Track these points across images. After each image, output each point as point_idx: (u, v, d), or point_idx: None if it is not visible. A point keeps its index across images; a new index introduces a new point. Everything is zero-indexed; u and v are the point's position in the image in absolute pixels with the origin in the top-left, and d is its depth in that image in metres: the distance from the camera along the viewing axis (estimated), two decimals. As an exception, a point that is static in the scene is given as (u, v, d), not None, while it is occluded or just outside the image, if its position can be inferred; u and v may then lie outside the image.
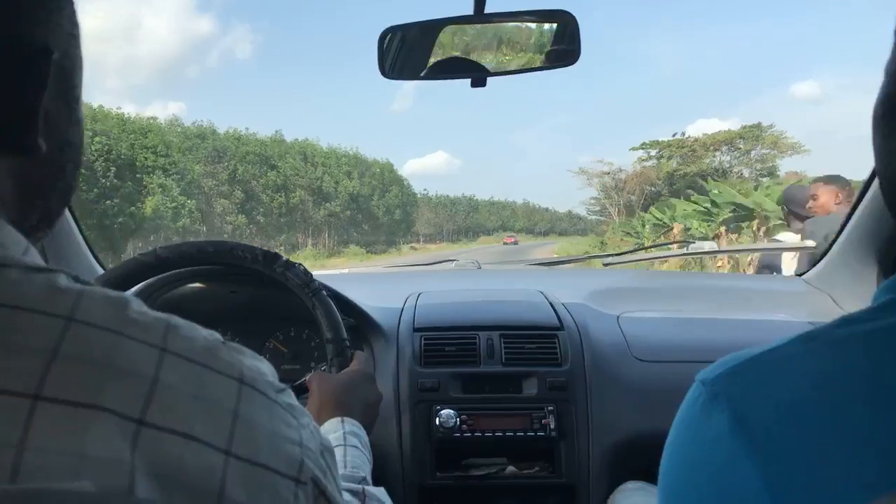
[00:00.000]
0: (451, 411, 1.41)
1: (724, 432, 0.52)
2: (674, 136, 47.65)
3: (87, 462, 0.39)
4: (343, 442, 0.95)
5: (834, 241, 1.86)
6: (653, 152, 49.75)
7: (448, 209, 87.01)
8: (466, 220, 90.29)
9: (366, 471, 0.93)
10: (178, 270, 1.38)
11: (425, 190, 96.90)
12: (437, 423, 1.40)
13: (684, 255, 2.25)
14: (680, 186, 41.73)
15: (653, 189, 48.14)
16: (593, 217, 70.47)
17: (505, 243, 59.93)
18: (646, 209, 45.13)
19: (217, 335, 0.50)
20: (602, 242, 32.69)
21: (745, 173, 44.20)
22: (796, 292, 1.95)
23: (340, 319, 1.23)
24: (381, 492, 0.89)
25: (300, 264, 1.28)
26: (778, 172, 42.79)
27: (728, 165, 46.36)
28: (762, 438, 0.50)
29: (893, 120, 0.57)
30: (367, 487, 0.88)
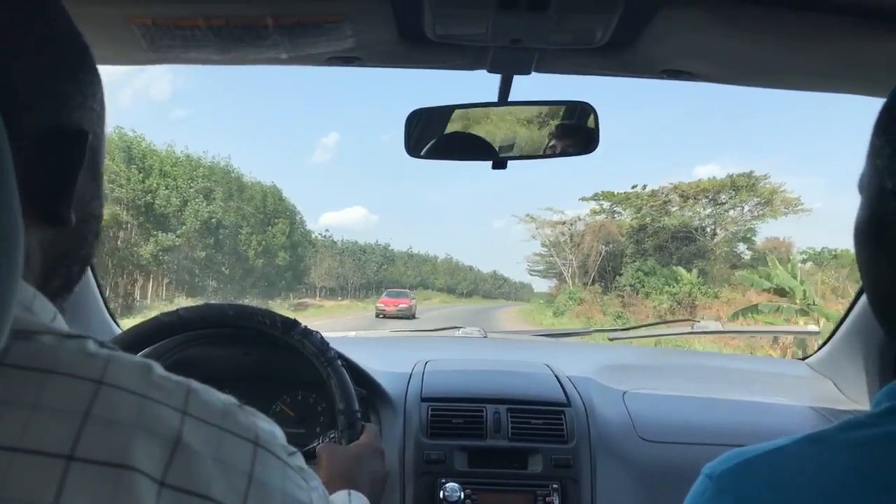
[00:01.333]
0: (456, 485, 1.41)
1: None
2: (633, 188, 40.01)
3: None
4: None
5: (838, 327, 1.89)
6: (606, 204, 42.73)
7: (356, 258, 67.51)
8: (379, 272, 72.10)
9: None
10: (195, 332, 1.41)
11: (328, 231, 79.88)
12: (442, 496, 1.40)
13: (689, 333, 2.27)
14: (651, 245, 37.30)
15: (613, 247, 41.21)
16: (536, 277, 60.98)
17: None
18: (606, 272, 38.69)
19: (233, 399, 0.52)
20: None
21: (720, 234, 37.37)
22: (799, 376, 1.96)
23: (353, 391, 1.25)
24: None
25: (318, 332, 1.31)
26: (754, 238, 37.55)
27: (710, 222, 37.98)
28: None
29: (880, 239, 0.60)
30: None
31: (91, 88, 0.56)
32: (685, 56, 1.10)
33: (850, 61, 1.07)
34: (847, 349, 1.83)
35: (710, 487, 0.58)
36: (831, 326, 2.05)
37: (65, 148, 0.52)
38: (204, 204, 33.54)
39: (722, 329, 2.24)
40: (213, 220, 34.23)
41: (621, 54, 1.11)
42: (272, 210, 41.98)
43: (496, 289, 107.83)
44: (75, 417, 0.43)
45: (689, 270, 28.98)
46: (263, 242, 39.42)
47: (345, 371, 1.26)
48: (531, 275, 59.98)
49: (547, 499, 1.40)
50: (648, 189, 39.25)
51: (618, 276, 36.41)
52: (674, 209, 38.46)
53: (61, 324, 0.52)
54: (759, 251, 34.66)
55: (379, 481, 1.09)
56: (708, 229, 38.18)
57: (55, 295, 0.56)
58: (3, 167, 0.40)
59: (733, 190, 36.06)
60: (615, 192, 41.99)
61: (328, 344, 1.29)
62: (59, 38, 0.53)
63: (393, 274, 75.54)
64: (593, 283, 39.87)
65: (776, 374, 2.04)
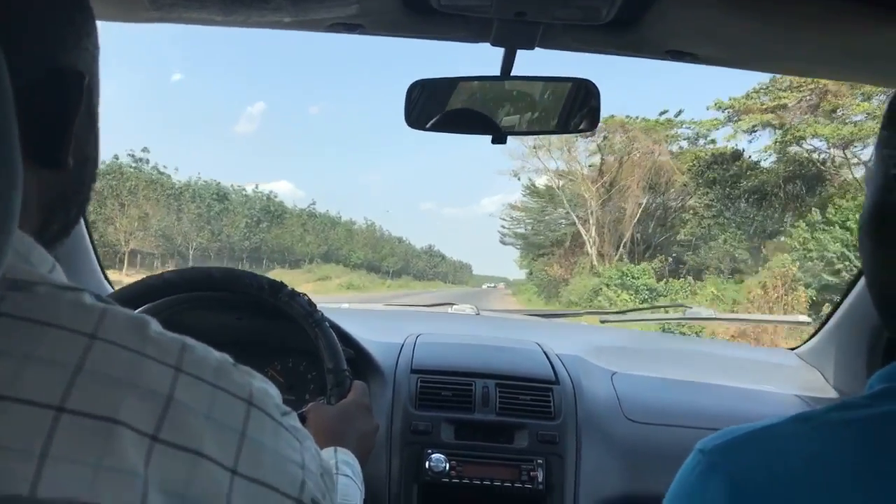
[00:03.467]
0: (442, 456, 1.42)
1: (720, 501, 0.55)
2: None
3: (103, 474, 0.41)
4: (335, 470, 0.97)
5: (828, 318, 1.90)
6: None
7: (205, 207, 43.64)
8: (252, 233, 48.21)
9: (357, 500, 0.95)
10: (184, 294, 1.41)
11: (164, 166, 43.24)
12: (427, 466, 1.42)
13: (682, 319, 2.28)
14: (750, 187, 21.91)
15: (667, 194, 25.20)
16: (509, 243, 43.63)
17: None
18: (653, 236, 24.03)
19: (228, 357, 0.52)
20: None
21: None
22: (788, 365, 1.98)
23: (341, 350, 1.26)
24: None
25: (304, 294, 1.32)
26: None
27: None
28: None
29: (882, 227, 0.61)
30: None
31: (86, 29, 0.55)
32: (689, 37, 1.09)
33: (856, 49, 1.06)
34: (836, 340, 1.84)
35: (702, 462, 0.59)
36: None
37: (62, 90, 0.52)
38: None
39: (714, 316, 2.26)
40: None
41: (626, 33, 1.10)
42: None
43: (431, 268, 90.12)
44: (67, 370, 0.43)
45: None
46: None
47: (332, 331, 1.27)
48: (505, 243, 43.61)
49: (531, 473, 1.42)
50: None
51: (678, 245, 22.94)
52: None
53: (59, 275, 0.52)
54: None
55: (367, 437, 1.10)
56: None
57: (53, 239, 0.57)
58: (4, 106, 0.40)
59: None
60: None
61: (315, 305, 1.30)
62: None
63: (282, 238, 51.05)
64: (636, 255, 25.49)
65: (764, 362, 2.06)
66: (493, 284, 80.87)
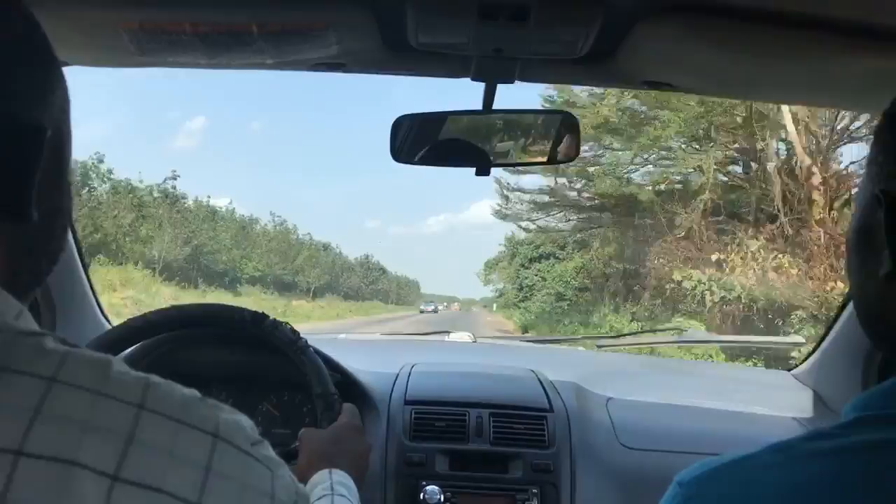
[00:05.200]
0: (437, 488, 1.42)
1: None
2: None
3: None
4: (331, 491, 0.96)
5: (823, 338, 1.90)
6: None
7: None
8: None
9: None
10: (174, 333, 1.43)
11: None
12: (422, 498, 1.41)
13: (677, 342, 2.28)
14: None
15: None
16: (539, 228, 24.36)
17: None
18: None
19: (196, 392, 0.53)
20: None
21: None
22: (784, 387, 1.97)
23: (328, 374, 1.27)
24: None
25: (287, 323, 1.33)
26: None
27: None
28: None
29: (868, 245, 0.62)
30: None
31: (51, 85, 0.55)
32: (664, 68, 1.12)
33: (827, 77, 1.08)
34: (832, 360, 1.84)
35: (679, 494, 0.60)
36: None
37: (20, 144, 0.51)
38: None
39: (709, 338, 2.26)
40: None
41: (602, 66, 1.13)
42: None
43: (368, 284, 73.26)
44: (26, 414, 0.44)
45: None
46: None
47: (317, 357, 1.28)
48: (501, 217, 24.33)
49: (526, 503, 1.41)
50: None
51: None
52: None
53: (26, 321, 0.52)
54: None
55: (360, 457, 1.10)
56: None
57: (25, 288, 0.57)
58: None
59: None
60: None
61: (298, 333, 1.32)
62: (13, 33, 0.53)
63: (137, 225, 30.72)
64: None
65: (761, 384, 2.05)
66: (445, 304, 74.92)
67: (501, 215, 23.81)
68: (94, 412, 0.46)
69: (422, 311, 58.61)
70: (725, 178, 16.35)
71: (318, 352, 1.33)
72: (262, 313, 1.34)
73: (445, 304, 75.85)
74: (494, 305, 57.47)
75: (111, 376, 0.49)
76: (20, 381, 0.45)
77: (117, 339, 1.34)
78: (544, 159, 1.32)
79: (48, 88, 0.55)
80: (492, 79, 1.17)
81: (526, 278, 33.46)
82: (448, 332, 2.46)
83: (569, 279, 26.47)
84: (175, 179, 35.63)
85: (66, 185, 0.60)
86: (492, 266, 50.69)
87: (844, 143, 13.64)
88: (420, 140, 1.33)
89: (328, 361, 1.42)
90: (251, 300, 32.48)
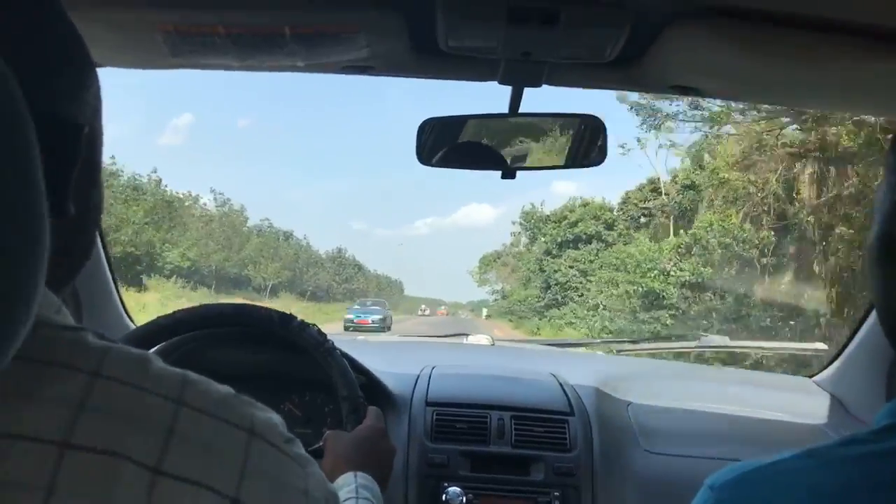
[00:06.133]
0: (458, 489, 1.42)
1: None
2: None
3: None
4: (355, 495, 0.97)
5: (846, 345, 1.88)
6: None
7: None
8: None
9: None
10: (200, 332, 1.45)
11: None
12: (444, 499, 1.42)
13: (696, 348, 2.27)
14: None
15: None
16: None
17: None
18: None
19: (230, 389, 0.53)
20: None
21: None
22: (806, 393, 1.96)
23: (354, 377, 1.28)
24: None
25: (315, 325, 1.34)
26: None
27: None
28: None
29: (890, 255, 0.62)
30: None
31: (86, 81, 0.57)
32: (692, 73, 1.12)
33: (856, 82, 1.08)
34: (855, 367, 1.83)
35: (711, 498, 0.60)
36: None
37: (60, 141, 0.52)
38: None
39: (728, 344, 2.25)
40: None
41: (630, 70, 1.13)
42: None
43: (340, 283, 62.58)
44: (71, 407, 0.45)
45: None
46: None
47: (344, 360, 1.29)
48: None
49: None
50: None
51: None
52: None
53: (65, 317, 0.53)
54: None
55: (385, 460, 1.11)
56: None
57: (59, 283, 0.58)
58: (31, 159, 0.42)
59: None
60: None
61: (325, 335, 1.33)
62: (51, 32, 0.54)
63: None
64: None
65: (782, 390, 2.04)
66: (424, 309, 66.79)
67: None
68: (135, 406, 0.47)
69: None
70: None
71: (343, 354, 1.34)
72: (290, 314, 1.35)
73: (425, 309, 68.13)
74: (484, 311, 51.68)
75: (151, 371, 0.50)
76: (65, 375, 0.46)
77: (147, 335, 1.36)
78: (573, 163, 1.32)
79: (84, 86, 0.57)
80: (519, 82, 1.18)
81: (557, 271, 23.73)
82: (466, 335, 2.47)
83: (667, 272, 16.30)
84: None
85: (99, 182, 0.61)
86: (489, 262, 45.01)
87: None
88: (445, 142, 1.34)
89: (353, 363, 1.43)
90: (156, 296, 25.93)
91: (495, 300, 46.25)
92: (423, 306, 69.19)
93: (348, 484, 0.99)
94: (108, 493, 0.43)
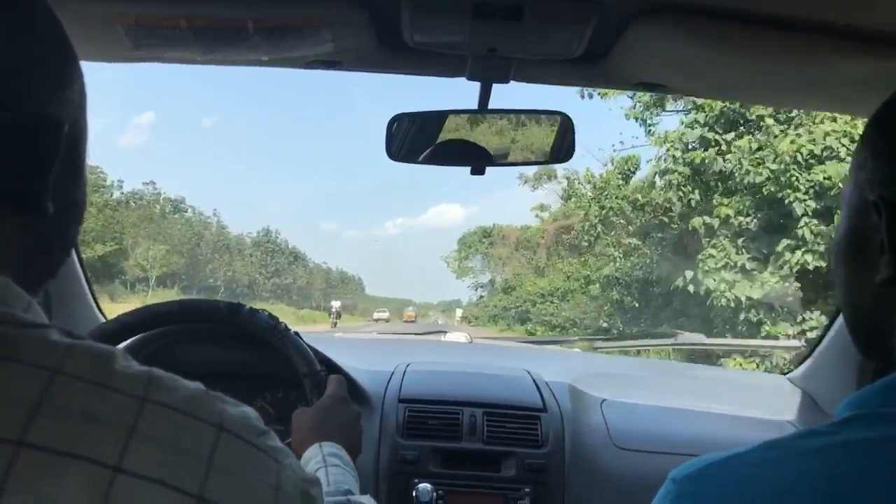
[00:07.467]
0: (429, 486, 1.42)
1: None
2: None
3: None
4: (323, 463, 0.97)
5: (818, 342, 1.90)
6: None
7: None
8: None
9: (350, 484, 0.96)
10: (168, 328, 1.44)
11: None
12: (414, 495, 1.41)
13: (673, 345, 2.28)
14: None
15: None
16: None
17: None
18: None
19: (200, 385, 0.53)
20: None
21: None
22: (779, 390, 1.97)
23: (312, 353, 1.27)
24: (367, 499, 0.93)
25: (265, 310, 1.34)
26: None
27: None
28: None
29: (859, 253, 0.62)
30: (351, 497, 0.91)
31: (68, 79, 0.56)
32: (658, 69, 1.12)
33: (819, 80, 1.08)
34: (827, 364, 1.84)
35: (673, 490, 0.60)
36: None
37: (39, 138, 0.52)
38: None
39: (705, 342, 2.26)
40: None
41: (596, 66, 1.13)
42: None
43: (269, 276, 51.72)
44: (27, 405, 0.44)
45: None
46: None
47: (299, 339, 1.29)
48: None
49: (518, 502, 1.42)
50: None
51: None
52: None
53: (34, 314, 0.52)
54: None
55: (349, 425, 1.10)
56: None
57: (37, 280, 0.57)
58: None
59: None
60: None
61: (277, 318, 1.33)
62: (34, 29, 0.54)
63: None
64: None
65: (756, 388, 2.05)
66: (383, 313, 49.67)
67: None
68: (96, 404, 0.46)
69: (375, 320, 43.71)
70: None
71: (305, 343, 1.34)
72: (238, 303, 1.34)
73: (383, 311, 50.45)
74: (458, 311, 42.38)
75: (115, 368, 0.49)
76: (23, 372, 0.46)
77: (103, 340, 1.34)
78: (542, 158, 1.32)
79: (66, 83, 0.56)
80: (487, 78, 1.18)
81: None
82: (444, 332, 2.47)
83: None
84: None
85: (82, 179, 0.60)
86: (473, 243, 34.47)
87: None
88: (414, 138, 1.33)
89: (316, 353, 1.43)
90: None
91: (480, 298, 36.87)
92: (380, 309, 52.11)
93: (315, 455, 0.99)
94: (57, 493, 0.42)
